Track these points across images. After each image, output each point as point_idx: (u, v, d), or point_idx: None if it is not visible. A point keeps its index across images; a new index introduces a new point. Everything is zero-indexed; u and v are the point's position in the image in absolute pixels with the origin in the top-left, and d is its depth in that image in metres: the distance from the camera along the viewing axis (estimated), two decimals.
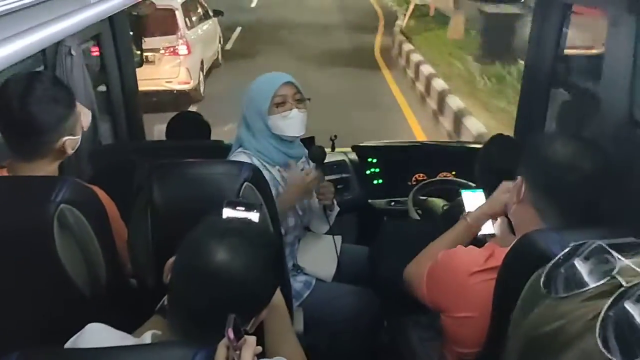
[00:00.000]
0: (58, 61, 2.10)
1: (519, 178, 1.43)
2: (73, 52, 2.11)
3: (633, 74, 1.79)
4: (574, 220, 1.33)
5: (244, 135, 2.06)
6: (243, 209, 1.33)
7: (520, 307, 1.00)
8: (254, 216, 1.33)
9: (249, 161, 1.98)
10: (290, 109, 2.01)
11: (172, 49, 7.65)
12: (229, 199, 1.34)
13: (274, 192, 2.00)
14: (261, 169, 1.97)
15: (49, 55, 2.09)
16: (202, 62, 8.38)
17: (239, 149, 2.06)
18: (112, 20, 2.57)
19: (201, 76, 8.27)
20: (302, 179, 2.04)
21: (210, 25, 9.45)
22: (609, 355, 0.53)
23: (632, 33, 1.75)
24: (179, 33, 7.72)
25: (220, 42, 10.16)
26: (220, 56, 9.95)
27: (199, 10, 9.14)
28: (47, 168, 1.59)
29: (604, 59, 1.88)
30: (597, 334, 0.55)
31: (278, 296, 1.35)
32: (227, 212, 1.32)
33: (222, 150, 2.24)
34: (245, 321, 1.10)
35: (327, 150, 2.79)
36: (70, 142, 1.60)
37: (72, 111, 1.59)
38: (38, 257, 1.33)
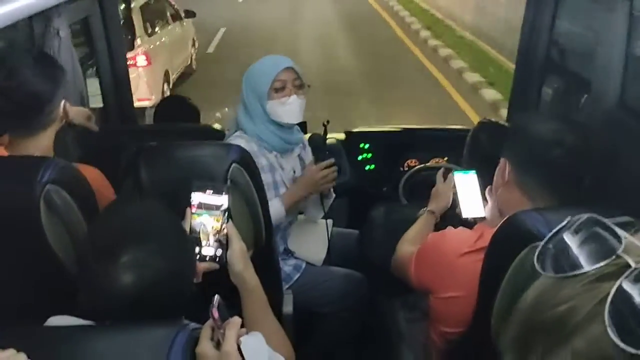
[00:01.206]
0: (46, 42, 2.07)
1: (502, 160, 1.43)
2: (61, 34, 2.09)
3: (625, 60, 1.79)
4: (562, 199, 1.32)
5: (243, 119, 2.03)
6: (212, 192, 1.32)
7: (507, 290, 1.00)
8: (224, 199, 1.32)
9: (246, 145, 1.94)
10: (289, 95, 1.98)
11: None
12: (197, 183, 1.33)
13: (270, 178, 2.01)
14: (259, 154, 1.99)
15: (37, 37, 2.06)
16: (166, 73, 7.45)
17: (237, 133, 2.04)
18: (101, 2, 2.54)
19: (166, 89, 7.34)
20: (314, 175, 2.02)
21: (181, 29, 8.46)
22: (619, 342, 0.50)
23: (625, 19, 1.75)
24: (136, 42, 6.63)
25: (194, 45, 9.25)
26: (193, 62, 9.05)
27: (166, 12, 8.15)
28: (48, 141, 1.62)
29: (597, 44, 1.88)
30: (606, 320, 0.51)
31: (253, 278, 1.35)
32: (197, 197, 1.31)
33: (212, 135, 2.24)
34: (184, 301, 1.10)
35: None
36: (68, 106, 1.63)
37: (63, 74, 1.62)
38: (25, 238, 1.32)
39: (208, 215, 1.33)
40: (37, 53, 1.60)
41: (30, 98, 1.54)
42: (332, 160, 2.07)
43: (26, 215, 1.30)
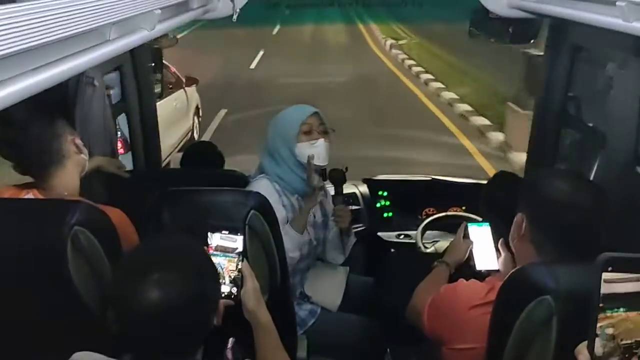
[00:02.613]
0: (79, 91, 2.18)
1: (520, 215, 1.45)
2: (95, 83, 2.19)
3: (639, 115, 1.82)
4: (571, 255, 1.34)
5: (267, 163, 2.12)
6: (227, 232, 1.38)
7: (515, 342, 1.03)
8: (239, 239, 1.38)
9: (270, 186, 2.05)
10: (317, 139, 2.08)
11: None
12: (213, 223, 1.39)
13: (292, 217, 2.08)
14: (281, 194, 2.07)
15: (71, 85, 2.17)
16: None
17: (261, 175, 2.12)
18: (133, 52, 2.67)
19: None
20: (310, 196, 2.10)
21: (181, 98, 7.19)
22: None
23: (638, 75, 1.79)
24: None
25: (198, 114, 7.99)
26: (195, 133, 7.79)
27: (158, 77, 5.70)
28: (70, 177, 1.67)
29: (612, 99, 1.92)
30: None
31: (266, 316, 1.41)
32: (214, 238, 1.37)
33: (235, 180, 2.30)
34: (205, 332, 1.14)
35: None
36: (75, 138, 1.68)
37: (59, 111, 1.67)
38: (52, 278, 1.36)
39: (224, 258, 1.40)
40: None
41: (37, 142, 1.59)
42: (342, 206, 2.19)
43: (54, 255, 1.34)
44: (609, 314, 0.77)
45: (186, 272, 1.11)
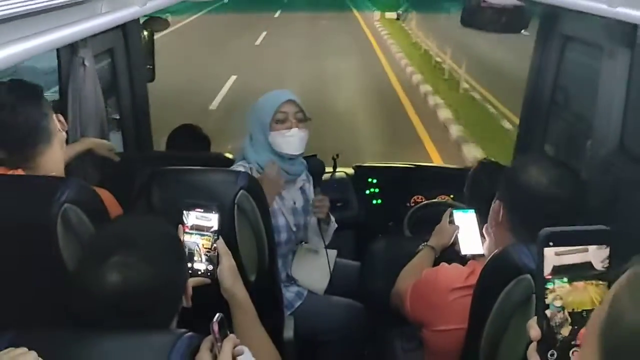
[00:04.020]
0: (72, 71, 2.18)
1: (497, 202, 1.47)
2: (86, 63, 2.20)
3: (626, 104, 1.85)
4: None
5: (247, 148, 2.12)
6: (202, 210, 1.39)
7: (496, 320, 1.04)
8: (214, 218, 1.40)
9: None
10: (290, 128, 2.05)
11: None
12: (187, 202, 1.40)
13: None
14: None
15: (64, 66, 2.18)
16: None
17: (241, 162, 2.12)
18: (125, 35, 2.67)
19: None
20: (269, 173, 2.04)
21: None
22: None
23: (626, 64, 1.82)
24: None
25: None
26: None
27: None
28: (56, 155, 1.67)
29: (599, 90, 1.94)
30: None
31: (243, 292, 1.43)
32: (190, 217, 1.39)
33: (223, 162, 2.32)
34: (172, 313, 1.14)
35: (329, 169, 2.89)
36: (58, 115, 1.69)
37: (41, 90, 1.68)
38: (41, 254, 1.37)
39: (199, 236, 1.42)
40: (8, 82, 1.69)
41: (23, 121, 1.60)
42: (321, 196, 2.16)
43: (44, 232, 1.34)
44: (557, 285, 0.80)
45: (146, 254, 1.10)
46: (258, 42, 15.63)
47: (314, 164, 2.22)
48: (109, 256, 1.07)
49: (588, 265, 0.80)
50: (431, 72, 11.23)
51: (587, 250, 0.80)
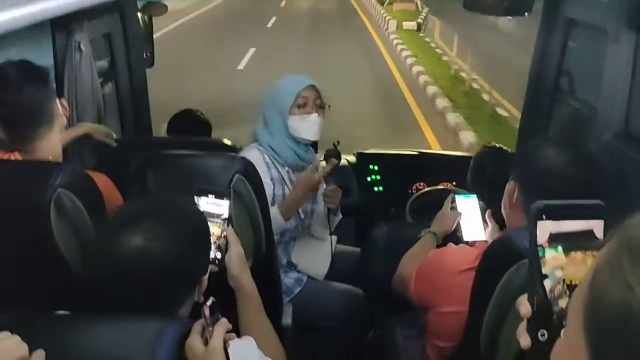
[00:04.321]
0: (68, 56, 2.15)
1: (512, 182, 1.45)
2: (82, 48, 2.17)
3: (631, 88, 1.82)
4: None
5: (260, 132, 2.11)
6: (213, 196, 1.37)
7: (498, 304, 1.02)
8: (225, 206, 1.37)
9: (259, 157, 2.03)
10: (310, 113, 2.06)
11: None
12: (199, 187, 1.37)
13: (280, 190, 2.07)
14: (270, 166, 2.06)
15: (59, 50, 2.14)
16: None
17: (253, 144, 2.11)
18: (123, 19, 2.63)
19: None
20: (310, 176, 2.05)
21: None
22: None
23: (631, 48, 1.79)
24: None
25: None
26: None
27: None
28: (56, 141, 1.66)
29: (604, 74, 1.91)
30: None
31: (250, 282, 1.41)
32: (200, 202, 1.36)
33: (222, 148, 2.29)
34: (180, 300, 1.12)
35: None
36: (64, 102, 1.70)
37: (47, 73, 1.67)
38: (35, 238, 1.36)
39: (210, 223, 1.38)
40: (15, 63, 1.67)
41: (29, 103, 1.59)
42: (334, 187, 2.14)
43: (37, 216, 1.34)
44: (554, 254, 0.76)
45: (178, 229, 1.09)
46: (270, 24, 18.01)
47: (330, 154, 2.19)
48: (140, 221, 1.06)
49: (590, 234, 0.76)
50: None
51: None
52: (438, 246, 1.84)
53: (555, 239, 0.76)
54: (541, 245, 0.76)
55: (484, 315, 1.17)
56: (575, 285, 0.72)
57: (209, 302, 1.02)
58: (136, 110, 2.81)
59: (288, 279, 2.13)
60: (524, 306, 0.78)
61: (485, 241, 1.70)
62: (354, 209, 2.81)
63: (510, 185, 1.45)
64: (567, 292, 0.76)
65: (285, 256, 2.19)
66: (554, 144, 1.45)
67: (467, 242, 1.79)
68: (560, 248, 0.76)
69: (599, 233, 0.77)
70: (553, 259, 0.76)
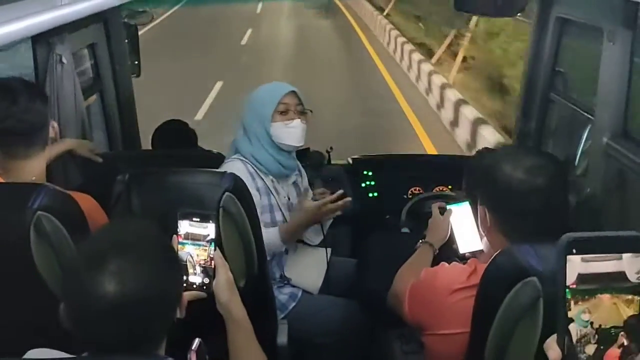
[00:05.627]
0: (49, 69, 2.10)
1: (481, 207, 1.41)
2: (64, 60, 2.11)
3: (628, 88, 1.78)
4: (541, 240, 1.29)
5: (241, 141, 2.07)
6: (198, 220, 1.31)
7: (502, 324, 0.96)
8: (210, 228, 1.31)
9: (243, 168, 1.99)
10: (293, 119, 2.03)
11: None
12: (182, 210, 1.31)
13: (266, 201, 2.02)
14: (254, 176, 2.02)
15: (40, 63, 2.09)
16: None
17: (235, 155, 2.07)
18: (107, 29, 2.57)
19: None
20: (315, 210, 2.01)
21: None
22: None
23: (627, 48, 1.76)
24: None
25: None
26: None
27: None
28: (43, 162, 1.65)
29: (599, 72, 1.87)
30: None
31: (239, 308, 1.36)
32: (183, 226, 1.30)
33: (211, 160, 2.23)
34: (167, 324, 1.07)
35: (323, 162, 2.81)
36: (53, 122, 1.69)
37: (47, 96, 1.70)
38: (14, 264, 1.33)
39: (194, 247, 1.33)
40: (18, 82, 1.65)
41: (33, 120, 1.58)
42: (342, 191, 2.10)
43: (16, 241, 1.31)
44: (581, 297, 0.70)
45: (142, 260, 1.03)
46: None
47: (311, 157, 2.15)
48: (104, 263, 1.00)
49: (621, 275, 0.70)
50: None
51: (620, 258, 0.70)
52: (435, 257, 1.79)
53: (586, 279, 0.71)
54: (568, 287, 0.71)
55: (487, 338, 1.12)
56: (605, 330, 0.67)
57: (194, 346, 0.96)
58: (123, 122, 2.76)
59: (282, 294, 2.08)
60: (553, 350, 0.73)
61: (482, 251, 1.65)
62: (348, 217, 2.75)
63: (480, 211, 1.42)
64: (597, 337, 0.71)
65: (278, 270, 2.13)
66: (507, 156, 1.39)
67: (464, 255, 1.74)
68: (591, 289, 0.71)
69: (632, 270, 0.71)
70: (580, 301, 0.71)
